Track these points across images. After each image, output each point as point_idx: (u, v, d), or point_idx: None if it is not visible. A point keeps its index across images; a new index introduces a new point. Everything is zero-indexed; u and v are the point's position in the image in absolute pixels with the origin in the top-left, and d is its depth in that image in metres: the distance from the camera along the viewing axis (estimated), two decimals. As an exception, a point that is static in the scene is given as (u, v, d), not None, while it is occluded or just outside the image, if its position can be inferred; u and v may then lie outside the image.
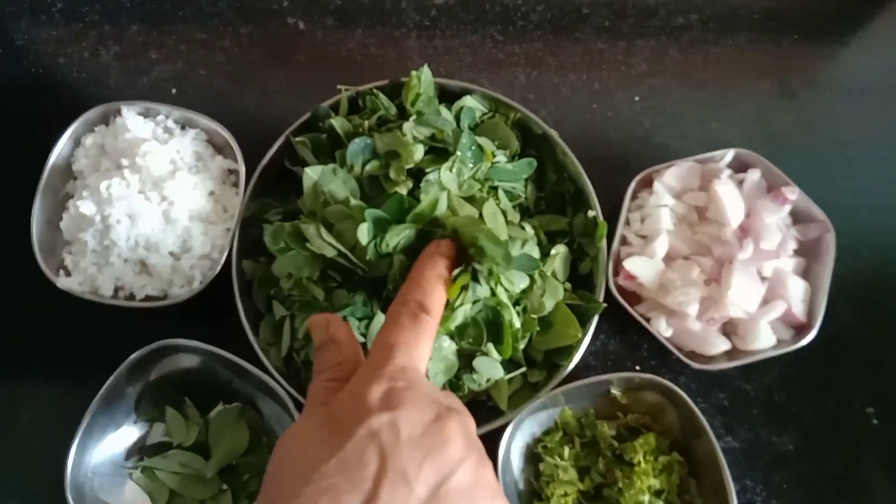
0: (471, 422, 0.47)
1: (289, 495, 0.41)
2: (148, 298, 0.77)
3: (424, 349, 0.49)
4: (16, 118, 0.89)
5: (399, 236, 0.65)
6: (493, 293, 0.67)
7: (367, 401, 0.43)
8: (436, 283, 0.54)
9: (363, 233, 0.64)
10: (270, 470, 0.45)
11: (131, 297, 0.77)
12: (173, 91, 0.90)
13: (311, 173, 0.70)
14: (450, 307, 0.63)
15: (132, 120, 0.79)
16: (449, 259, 0.59)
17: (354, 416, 0.42)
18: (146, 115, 0.81)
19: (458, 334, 0.68)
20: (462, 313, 0.65)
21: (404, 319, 0.50)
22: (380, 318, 0.66)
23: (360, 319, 0.68)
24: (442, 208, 0.68)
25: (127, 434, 0.74)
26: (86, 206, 0.74)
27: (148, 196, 0.75)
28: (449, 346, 0.68)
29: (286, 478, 0.42)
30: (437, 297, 0.53)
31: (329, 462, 0.41)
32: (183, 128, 0.82)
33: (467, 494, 0.42)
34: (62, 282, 0.74)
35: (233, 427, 0.75)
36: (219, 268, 0.74)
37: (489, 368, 0.70)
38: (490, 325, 0.67)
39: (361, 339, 0.67)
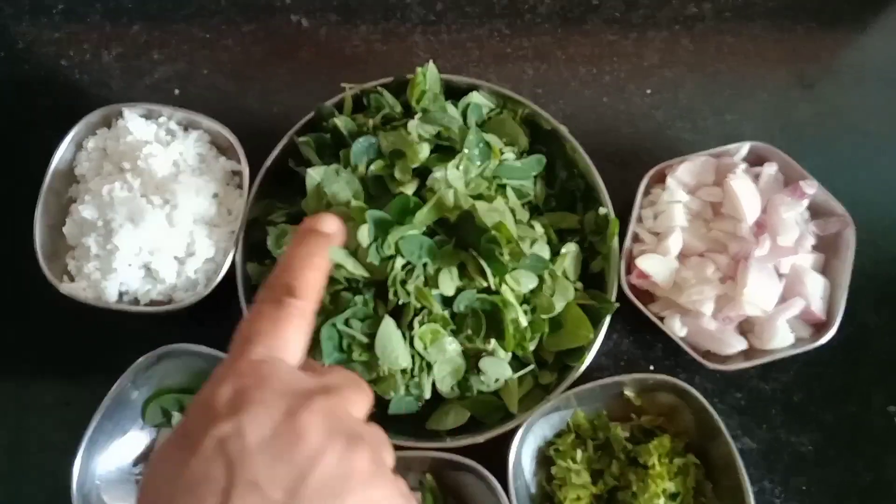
0: (347, 400, 0.41)
1: None
2: (153, 303, 0.76)
3: (289, 337, 0.43)
4: (17, 121, 0.89)
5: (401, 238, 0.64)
6: (497, 291, 0.65)
7: (213, 406, 0.39)
8: (307, 261, 0.48)
9: (363, 235, 0.63)
10: (140, 487, 0.42)
11: (136, 301, 0.76)
12: (176, 91, 0.89)
13: (314, 174, 0.69)
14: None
15: (134, 122, 0.78)
16: (328, 234, 0.51)
17: (200, 425, 0.38)
18: (148, 116, 0.80)
19: (457, 326, 0.67)
20: (464, 300, 0.64)
21: (265, 307, 0.44)
22: (387, 323, 0.65)
23: (362, 321, 0.67)
24: (448, 206, 0.67)
25: (134, 440, 0.73)
26: (88, 211, 0.73)
27: (151, 199, 0.74)
28: (454, 346, 0.67)
29: (146, 499, 0.39)
30: (307, 277, 0.47)
31: (178, 482, 0.37)
32: (185, 129, 0.81)
33: (332, 488, 0.37)
34: (66, 287, 0.74)
35: (239, 432, 0.73)
36: (223, 271, 0.73)
37: (496, 368, 0.68)
38: (490, 318, 0.66)
39: (365, 341, 0.66)
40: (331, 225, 0.52)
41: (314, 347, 0.68)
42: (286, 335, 0.43)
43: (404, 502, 0.40)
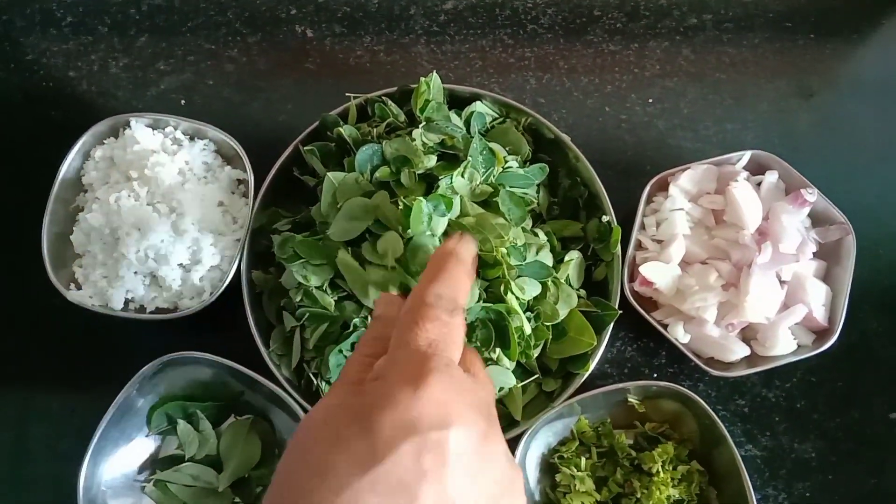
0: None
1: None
2: (158, 311, 0.76)
3: (461, 348, 0.45)
4: (27, 131, 0.89)
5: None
6: (503, 300, 0.66)
7: (414, 409, 0.38)
8: (465, 281, 0.49)
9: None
10: (286, 464, 0.39)
11: (142, 309, 0.76)
12: (182, 102, 0.90)
13: (333, 179, 0.70)
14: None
15: (141, 132, 0.79)
16: (473, 259, 0.52)
17: (397, 425, 0.37)
18: (155, 126, 0.81)
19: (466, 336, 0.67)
20: (474, 312, 0.65)
21: (442, 314, 0.44)
22: None
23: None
24: (455, 213, 0.68)
25: (139, 447, 0.74)
26: (95, 219, 0.74)
27: (157, 208, 0.74)
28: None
29: (303, 480, 0.37)
30: (465, 294, 0.48)
31: (361, 478, 0.35)
32: (192, 139, 0.82)
33: None
34: (73, 295, 0.74)
35: (245, 439, 0.74)
36: (228, 279, 0.74)
37: (501, 377, 0.69)
38: (497, 328, 0.66)
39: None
40: (474, 250, 0.52)
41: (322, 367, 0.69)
42: (461, 345, 0.45)
43: None
